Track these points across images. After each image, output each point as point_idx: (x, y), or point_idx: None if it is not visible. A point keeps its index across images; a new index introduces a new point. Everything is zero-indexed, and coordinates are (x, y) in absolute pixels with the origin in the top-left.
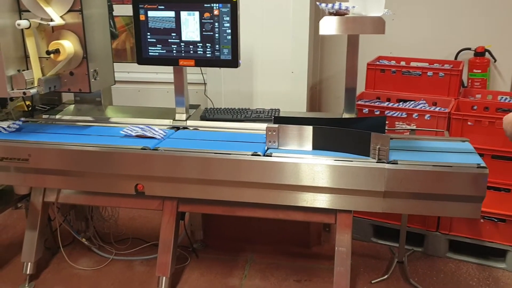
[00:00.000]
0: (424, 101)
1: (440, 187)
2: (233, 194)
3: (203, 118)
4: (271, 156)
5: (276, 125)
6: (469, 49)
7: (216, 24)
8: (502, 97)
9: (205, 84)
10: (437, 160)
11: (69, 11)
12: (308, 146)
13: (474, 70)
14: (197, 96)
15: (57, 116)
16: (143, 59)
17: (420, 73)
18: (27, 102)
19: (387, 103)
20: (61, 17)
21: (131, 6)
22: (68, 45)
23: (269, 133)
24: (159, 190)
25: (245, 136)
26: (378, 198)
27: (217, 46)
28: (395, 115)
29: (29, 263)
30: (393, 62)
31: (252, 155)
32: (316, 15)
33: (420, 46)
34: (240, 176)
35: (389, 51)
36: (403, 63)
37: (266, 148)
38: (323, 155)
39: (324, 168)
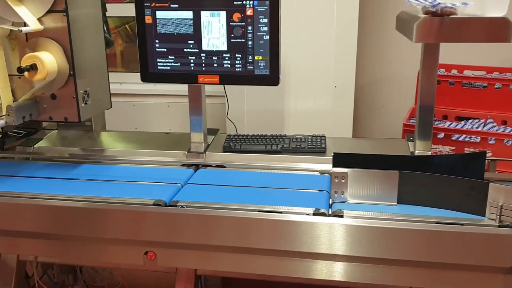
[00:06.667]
0: (492, 120)
1: None
2: (279, 267)
3: (226, 149)
4: (342, 216)
5: (346, 170)
6: None
7: (250, 28)
8: None
9: (227, 101)
10: None
11: (49, 11)
12: (393, 199)
13: None
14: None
15: (36, 146)
16: (150, 74)
17: (486, 85)
18: None
19: (449, 122)
20: (38, 20)
21: (127, 4)
22: (48, 59)
23: (336, 180)
24: (177, 260)
25: (289, 178)
26: (496, 275)
27: (250, 57)
28: (461, 139)
29: None
30: (442, 71)
31: (314, 214)
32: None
33: (468, 50)
34: (298, 245)
35: None
36: (454, 72)
37: (330, 202)
38: (416, 213)
39: (424, 234)
